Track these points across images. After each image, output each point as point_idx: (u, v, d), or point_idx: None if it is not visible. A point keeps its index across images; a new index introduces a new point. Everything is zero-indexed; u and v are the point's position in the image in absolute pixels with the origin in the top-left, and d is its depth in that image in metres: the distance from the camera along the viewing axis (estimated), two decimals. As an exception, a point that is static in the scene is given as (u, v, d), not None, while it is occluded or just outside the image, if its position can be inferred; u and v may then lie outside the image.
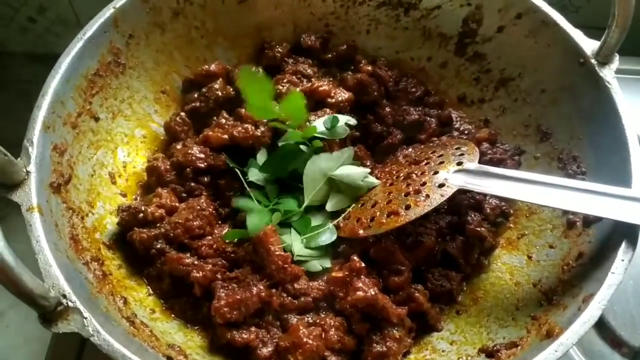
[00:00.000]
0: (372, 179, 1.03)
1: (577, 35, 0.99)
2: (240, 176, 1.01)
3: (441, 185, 0.93)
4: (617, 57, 0.95)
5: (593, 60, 0.95)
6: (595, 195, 0.83)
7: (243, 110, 1.05)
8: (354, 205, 1.01)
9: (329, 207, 0.99)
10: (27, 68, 1.75)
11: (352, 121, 1.07)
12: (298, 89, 1.09)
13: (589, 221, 0.90)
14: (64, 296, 0.73)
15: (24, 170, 0.82)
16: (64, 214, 0.87)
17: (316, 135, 1.02)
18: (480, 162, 0.98)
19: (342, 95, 1.09)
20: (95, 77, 0.99)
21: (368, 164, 1.10)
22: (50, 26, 1.68)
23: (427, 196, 0.92)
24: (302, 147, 1.02)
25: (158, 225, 0.95)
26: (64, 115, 0.92)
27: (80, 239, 0.88)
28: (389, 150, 1.12)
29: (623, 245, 0.78)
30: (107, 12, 0.99)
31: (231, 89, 1.10)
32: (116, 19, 1.01)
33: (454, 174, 0.94)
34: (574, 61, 0.98)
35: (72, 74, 0.94)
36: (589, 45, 0.97)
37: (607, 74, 0.94)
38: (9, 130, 1.62)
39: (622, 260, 0.77)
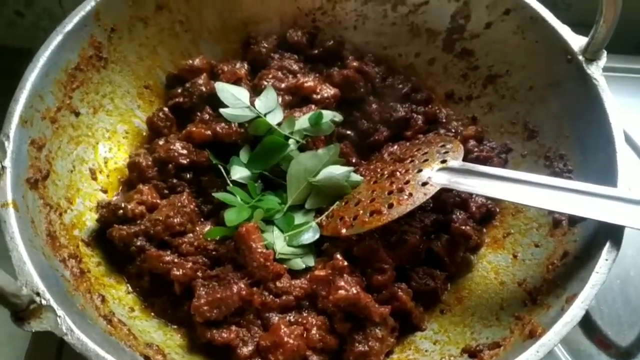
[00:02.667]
0: (356, 177, 1.01)
1: (565, 32, 0.97)
2: (224, 173, 0.99)
3: (424, 184, 0.91)
4: (604, 54, 0.94)
5: (580, 57, 0.94)
6: (581, 195, 0.81)
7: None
8: (337, 203, 0.99)
9: (308, 205, 0.98)
10: (13, 62, 1.73)
11: (338, 117, 1.06)
12: (283, 85, 1.08)
13: (574, 220, 0.89)
14: (38, 294, 0.71)
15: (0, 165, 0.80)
16: (41, 210, 0.85)
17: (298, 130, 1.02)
18: (466, 160, 0.97)
19: (328, 91, 1.08)
20: (76, 71, 0.98)
21: (354, 160, 1.09)
22: (37, 20, 1.66)
23: (410, 195, 0.91)
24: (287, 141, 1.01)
25: (138, 222, 0.93)
26: (43, 110, 0.91)
27: (58, 236, 0.86)
28: (375, 147, 1.11)
29: (607, 245, 0.77)
30: (88, 5, 0.98)
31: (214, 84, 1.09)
32: (98, 12, 0.99)
33: (438, 172, 0.93)
34: (562, 58, 0.97)
35: (52, 67, 0.93)
36: (576, 42, 0.96)
37: (595, 70, 0.93)
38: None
39: (606, 260, 0.76)
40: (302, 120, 1.02)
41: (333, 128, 1.04)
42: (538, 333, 0.74)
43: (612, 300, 1.10)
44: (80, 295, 0.82)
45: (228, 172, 0.99)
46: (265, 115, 1.00)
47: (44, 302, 0.71)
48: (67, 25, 0.95)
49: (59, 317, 0.70)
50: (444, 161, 0.94)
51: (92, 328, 0.75)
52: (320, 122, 1.01)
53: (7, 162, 0.81)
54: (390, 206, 0.91)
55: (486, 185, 0.89)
